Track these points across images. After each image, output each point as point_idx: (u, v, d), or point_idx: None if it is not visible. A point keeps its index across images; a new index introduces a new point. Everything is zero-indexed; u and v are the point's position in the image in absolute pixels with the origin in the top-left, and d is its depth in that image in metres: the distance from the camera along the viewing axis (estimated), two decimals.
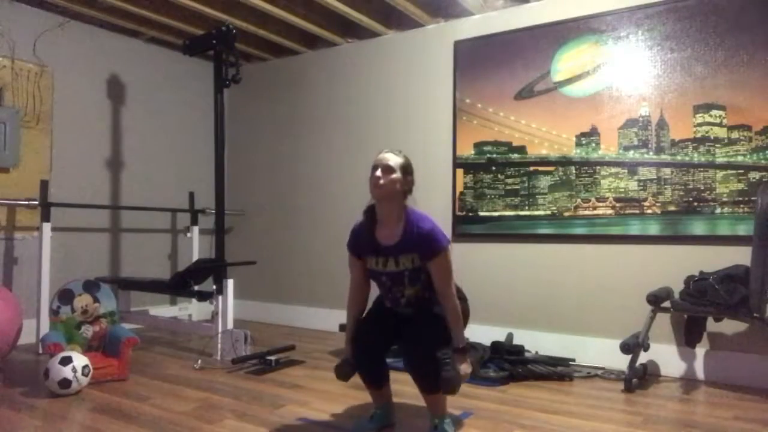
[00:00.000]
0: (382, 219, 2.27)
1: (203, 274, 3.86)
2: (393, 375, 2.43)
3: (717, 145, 3.29)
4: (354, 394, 2.92)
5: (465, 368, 2.19)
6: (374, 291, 2.43)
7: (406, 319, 2.32)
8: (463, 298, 2.34)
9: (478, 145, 4.07)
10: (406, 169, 2.25)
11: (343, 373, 2.31)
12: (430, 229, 2.19)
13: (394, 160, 2.23)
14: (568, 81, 3.74)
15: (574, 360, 3.48)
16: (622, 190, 3.56)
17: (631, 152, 3.54)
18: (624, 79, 3.56)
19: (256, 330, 4.58)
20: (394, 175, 2.20)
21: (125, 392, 2.90)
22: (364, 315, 2.41)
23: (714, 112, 3.30)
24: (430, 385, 2.17)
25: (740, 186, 3.22)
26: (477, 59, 4.09)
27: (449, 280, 2.22)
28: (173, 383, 3.09)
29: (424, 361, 2.15)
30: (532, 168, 3.88)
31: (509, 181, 3.96)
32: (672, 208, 3.41)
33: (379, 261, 2.28)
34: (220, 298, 3.75)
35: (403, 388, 2.98)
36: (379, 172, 2.19)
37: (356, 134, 4.74)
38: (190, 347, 4.04)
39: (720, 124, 3.28)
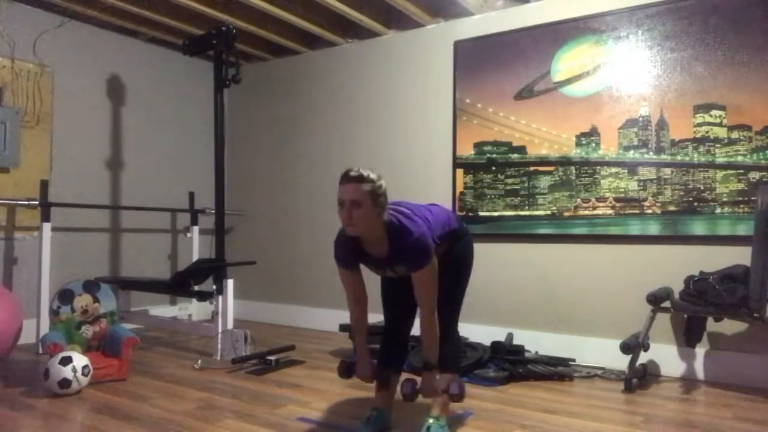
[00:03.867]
0: (365, 242, 2.17)
1: (203, 274, 3.86)
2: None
3: (717, 145, 3.29)
4: (354, 394, 2.92)
5: (429, 385, 2.18)
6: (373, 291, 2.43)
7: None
8: (456, 340, 2.36)
9: (478, 145, 4.07)
10: (375, 193, 2.04)
11: (346, 374, 2.39)
12: (413, 241, 2.07)
13: (358, 191, 2.01)
14: (568, 81, 3.74)
15: (574, 360, 3.48)
16: (622, 190, 3.56)
17: (631, 152, 3.54)
18: (624, 79, 3.56)
19: (256, 330, 4.58)
20: (362, 209, 2.02)
21: (125, 392, 2.90)
22: (383, 292, 2.43)
23: (714, 112, 3.30)
24: (446, 361, 2.24)
25: (740, 186, 3.22)
26: (477, 59, 4.09)
27: (430, 292, 2.13)
28: (173, 383, 3.09)
29: (445, 339, 2.22)
30: (532, 168, 3.88)
31: (509, 181, 3.96)
32: (672, 208, 3.41)
33: (378, 270, 2.31)
34: (220, 298, 3.75)
35: None
36: (346, 212, 2.03)
37: (356, 134, 4.73)
38: (190, 347, 4.04)
39: (720, 124, 3.28)
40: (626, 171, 3.55)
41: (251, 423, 2.46)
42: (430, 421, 2.25)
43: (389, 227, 2.11)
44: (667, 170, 3.43)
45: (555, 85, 3.79)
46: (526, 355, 3.44)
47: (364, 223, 2.04)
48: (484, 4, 4.04)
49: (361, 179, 2.04)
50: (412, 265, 2.12)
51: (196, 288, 3.90)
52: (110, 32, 4.65)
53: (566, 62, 3.75)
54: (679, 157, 3.39)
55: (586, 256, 3.66)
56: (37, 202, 3.80)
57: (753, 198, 3.14)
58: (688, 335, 3.20)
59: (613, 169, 3.60)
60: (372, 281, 2.41)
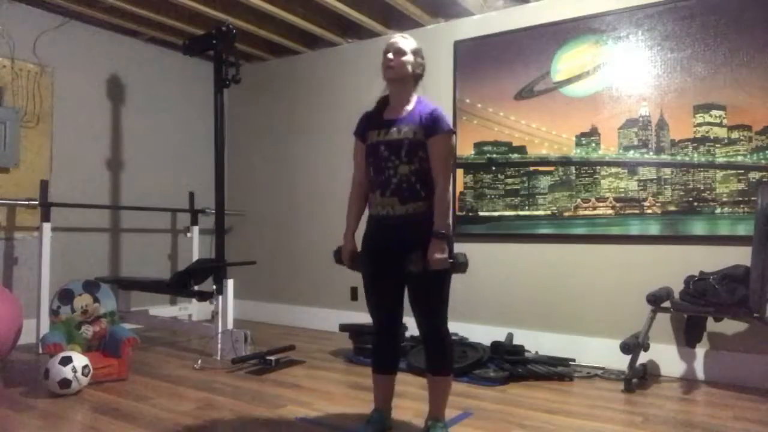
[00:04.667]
0: (393, 102, 2.31)
1: (203, 274, 3.86)
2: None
3: (717, 145, 3.29)
4: (354, 394, 2.92)
5: (438, 254, 2.11)
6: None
7: (405, 252, 2.15)
8: (448, 343, 2.27)
9: (478, 145, 4.07)
10: (417, 52, 2.28)
11: (342, 258, 2.38)
12: (436, 109, 2.23)
13: (404, 42, 2.26)
14: (568, 81, 3.74)
15: (574, 360, 3.48)
16: (622, 190, 3.56)
17: (631, 152, 3.54)
18: (624, 79, 3.56)
19: (256, 330, 4.59)
20: (405, 57, 2.24)
21: (125, 392, 2.90)
22: (367, 294, 2.36)
23: (714, 112, 3.30)
24: (436, 364, 2.23)
25: (740, 186, 3.22)
26: (477, 59, 4.09)
27: (447, 163, 2.23)
28: (173, 383, 3.09)
29: (436, 343, 2.21)
30: (532, 168, 3.88)
31: (509, 181, 3.96)
32: (672, 208, 3.41)
33: (381, 132, 2.27)
34: (220, 298, 3.75)
35: (404, 388, 2.98)
36: (390, 55, 2.23)
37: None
38: (190, 347, 4.04)
39: (720, 124, 3.28)
40: (626, 171, 3.55)
41: (251, 423, 2.46)
42: (430, 423, 2.24)
43: (418, 98, 2.30)
44: (667, 170, 3.43)
45: (555, 85, 3.79)
46: (526, 355, 3.44)
47: (402, 70, 2.24)
48: (484, 4, 4.04)
49: (407, 37, 2.30)
50: (430, 126, 2.19)
51: (196, 288, 3.90)
52: (110, 32, 4.65)
53: (566, 62, 3.75)
54: (679, 157, 3.39)
55: (586, 256, 3.66)
56: (37, 202, 3.80)
57: (753, 198, 3.14)
58: (688, 335, 3.20)
59: (613, 169, 3.60)
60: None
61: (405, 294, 2.29)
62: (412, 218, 2.20)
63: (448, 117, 2.27)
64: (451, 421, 2.48)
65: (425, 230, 2.17)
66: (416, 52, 2.28)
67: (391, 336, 2.35)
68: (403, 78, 2.26)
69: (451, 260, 2.16)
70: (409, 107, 2.28)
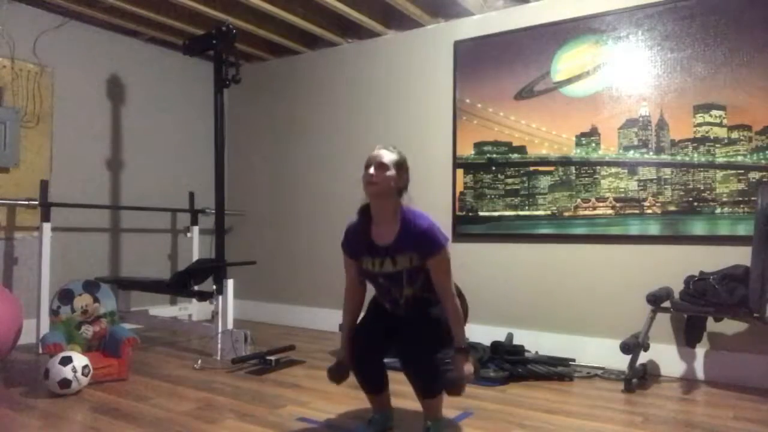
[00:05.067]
0: (377, 218, 2.21)
1: (203, 274, 3.86)
2: (392, 375, 2.41)
3: (717, 145, 3.29)
4: (354, 394, 2.92)
5: (468, 368, 2.15)
6: (370, 292, 2.41)
7: (404, 321, 2.28)
8: (461, 296, 2.30)
9: (478, 145, 4.07)
10: (401, 165, 2.19)
11: (337, 375, 2.30)
12: (428, 226, 2.14)
13: (388, 156, 2.17)
14: (568, 81, 3.74)
15: (574, 360, 3.48)
16: (622, 190, 3.56)
17: (631, 152, 3.54)
18: (624, 79, 3.56)
19: (256, 330, 4.58)
20: (388, 173, 2.14)
21: (125, 392, 2.90)
22: (361, 318, 2.38)
23: (714, 112, 3.30)
24: (428, 389, 2.16)
25: (740, 186, 3.22)
26: (477, 59, 4.09)
27: (449, 279, 2.18)
28: (173, 383, 3.09)
29: (422, 364, 2.12)
30: (532, 168, 3.88)
31: (509, 181, 3.96)
32: (672, 208, 3.41)
33: (375, 262, 2.22)
34: (220, 298, 3.75)
35: (403, 388, 2.98)
36: (372, 170, 2.14)
37: (356, 134, 4.73)
38: (190, 347, 4.04)
39: (720, 124, 3.28)
40: (626, 171, 3.56)
41: (251, 423, 2.46)
42: (429, 423, 2.24)
43: (404, 213, 2.19)
44: (667, 170, 3.43)
45: (555, 85, 3.79)
46: (526, 355, 3.44)
47: (385, 185, 2.13)
48: (484, 4, 4.04)
49: (390, 149, 2.22)
50: (425, 249, 2.14)
51: (196, 288, 3.90)
52: (110, 32, 4.65)
53: (566, 62, 3.75)
54: (679, 157, 3.39)
55: (586, 256, 3.66)
56: (37, 202, 3.80)
57: (753, 198, 3.14)
58: (688, 335, 3.20)
59: (613, 169, 3.60)
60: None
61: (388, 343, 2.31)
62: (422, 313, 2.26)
63: (438, 228, 2.17)
64: (451, 421, 2.48)
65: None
66: (400, 166, 2.18)
67: (376, 361, 2.30)
68: (386, 194, 2.15)
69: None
70: (397, 227, 2.17)
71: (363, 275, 2.33)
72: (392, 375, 2.41)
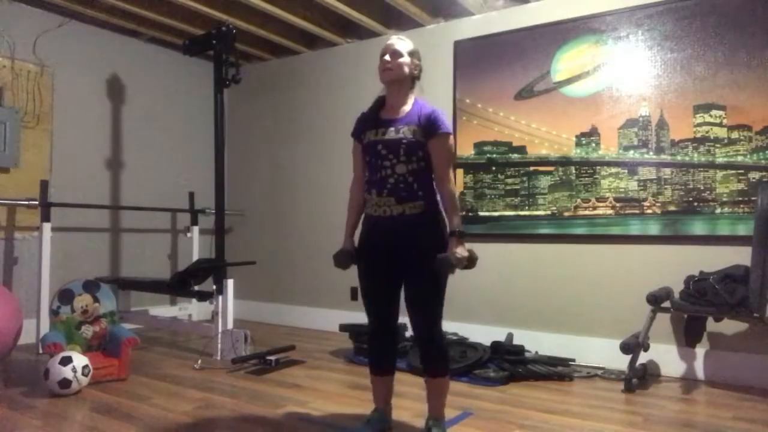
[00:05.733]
0: (390, 102, 2.31)
1: (203, 274, 3.86)
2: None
3: (717, 145, 3.29)
4: (354, 394, 2.92)
5: (461, 251, 2.14)
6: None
7: (402, 255, 2.19)
8: (477, 257, 2.26)
9: (478, 145, 4.07)
10: (414, 53, 2.30)
11: (342, 261, 2.33)
12: (435, 110, 2.23)
13: (401, 44, 2.27)
14: (568, 81, 3.74)
15: (574, 360, 3.48)
16: (622, 190, 3.56)
17: (631, 152, 3.54)
18: (624, 79, 3.56)
19: (256, 330, 4.59)
20: (401, 59, 2.24)
21: (125, 392, 2.91)
22: (362, 285, 2.34)
23: (714, 112, 3.30)
24: (433, 366, 2.21)
25: (740, 186, 3.22)
26: (477, 59, 4.09)
27: (448, 166, 2.21)
28: (173, 383, 3.09)
29: (432, 344, 2.20)
30: (532, 168, 3.88)
31: (509, 181, 3.96)
32: (672, 208, 3.41)
33: (379, 131, 2.26)
34: (220, 298, 3.75)
35: (404, 388, 2.98)
36: (387, 57, 2.24)
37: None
38: (190, 347, 4.04)
39: (720, 124, 3.28)
40: (626, 171, 3.55)
41: (251, 423, 2.46)
42: (431, 423, 2.24)
43: (416, 99, 2.31)
44: (667, 170, 3.43)
45: (555, 85, 3.79)
46: (526, 355, 3.44)
47: (399, 71, 2.24)
48: (484, 4, 4.04)
49: (403, 37, 2.33)
50: (430, 127, 2.19)
51: (196, 288, 3.90)
52: (110, 32, 4.65)
53: (566, 62, 3.75)
54: (679, 157, 3.39)
55: (586, 256, 3.66)
56: (37, 202, 3.80)
57: (753, 198, 3.14)
58: (688, 335, 3.21)
59: (613, 169, 3.60)
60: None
61: (401, 295, 2.28)
62: (408, 219, 2.19)
63: (446, 118, 2.26)
64: (451, 421, 2.48)
65: (422, 231, 2.18)
66: (413, 54, 2.29)
67: (388, 337, 2.34)
68: (400, 80, 2.26)
69: (470, 255, 2.19)
70: (407, 108, 2.27)
71: (364, 152, 2.32)
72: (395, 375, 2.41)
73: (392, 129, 2.23)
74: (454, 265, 2.11)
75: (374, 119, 2.32)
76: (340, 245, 2.42)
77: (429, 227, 2.20)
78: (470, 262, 2.18)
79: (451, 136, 2.25)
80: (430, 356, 2.23)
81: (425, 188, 2.21)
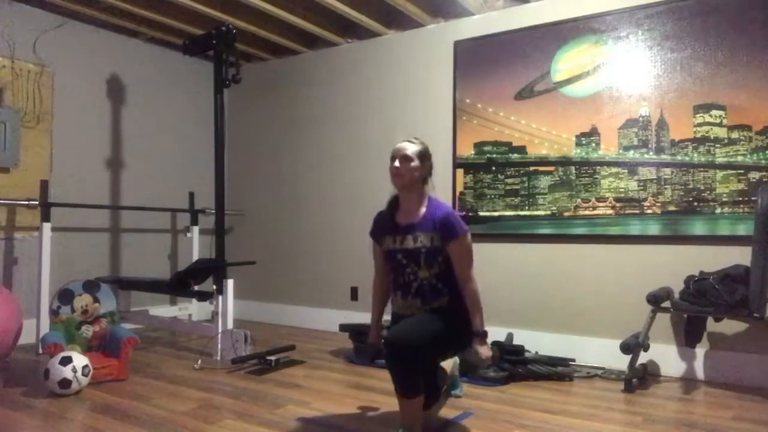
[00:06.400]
0: (404, 205, 2.35)
1: (203, 274, 3.86)
2: None
3: (717, 145, 3.29)
4: (354, 394, 2.92)
5: (485, 351, 2.21)
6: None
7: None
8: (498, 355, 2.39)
9: (478, 145, 4.07)
10: (424, 155, 2.33)
11: (370, 354, 2.42)
12: (450, 211, 2.28)
13: (411, 148, 2.31)
14: (568, 81, 3.74)
15: (574, 360, 3.48)
16: (622, 190, 3.56)
17: (631, 152, 3.54)
18: (624, 79, 3.56)
19: (256, 330, 4.58)
20: (412, 164, 2.28)
21: (125, 392, 2.90)
22: (390, 324, 2.38)
23: (714, 112, 3.30)
24: (404, 384, 2.09)
25: (740, 186, 3.22)
26: (477, 59, 4.09)
27: (469, 263, 2.26)
28: (173, 383, 3.09)
29: (402, 357, 2.05)
30: (532, 168, 3.88)
31: (509, 181, 3.96)
32: (672, 208, 3.41)
33: (397, 239, 2.31)
34: (220, 298, 3.75)
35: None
36: (397, 163, 2.28)
37: (356, 134, 4.73)
38: (190, 347, 4.04)
39: (720, 124, 3.28)
40: (626, 171, 3.56)
41: (251, 423, 2.46)
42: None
43: (430, 199, 2.34)
44: (667, 170, 3.43)
45: (555, 85, 3.79)
46: (526, 355, 3.44)
47: (410, 176, 2.29)
48: (484, 4, 4.04)
49: (413, 141, 2.37)
50: (447, 231, 2.22)
51: (196, 288, 3.90)
52: (110, 32, 4.65)
53: (566, 62, 3.75)
54: (679, 157, 3.39)
55: (586, 256, 3.66)
56: (37, 202, 3.80)
57: (753, 198, 3.14)
58: (688, 335, 3.20)
59: (613, 169, 3.60)
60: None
61: None
62: (435, 311, 2.26)
63: (459, 219, 2.29)
64: (451, 421, 2.49)
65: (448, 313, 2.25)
66: (423, 156, 2.32)
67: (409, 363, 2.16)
68: (411, 184, 2.30)
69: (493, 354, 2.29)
70: (422, 210, 2.31)
71: (385, 257, 2.39)
72: None
73: (410, 236, 2.28)
74: (477, 366, 2.19)
75: (390, 224, 2.36)
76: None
77: (452, 313, 2.26)
78: (493, 360, 2.29)
79: (468, 234, 2.28)
80: (406, 370, 2.10)
81: (449, 285, 2.28)
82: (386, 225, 2.37)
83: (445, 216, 2.24)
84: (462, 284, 2.25)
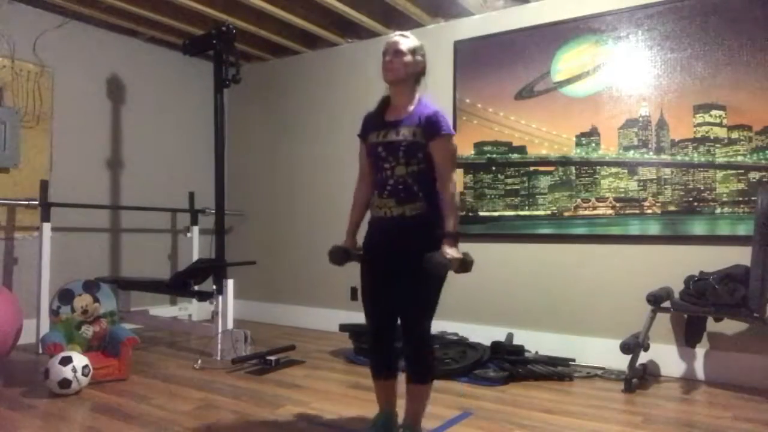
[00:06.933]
0: (393, 103, 2.30)
1: (203, 274, 3.86)
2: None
3: (717, 145, 3.29)
4: (354, 394, 2.92)
5: (453, 252, 2.09)
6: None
7: (397, 261, 2.17)
8: (430, 352, 2.27)
9: (478, 145, 4.07)
10: (416, 50, 2.25)
11: (337, 257, 2.35)
12: (439, 111, 2.21)
13: (404, 43, 2.23)
14: (568, 81, 3.74)
15: (574, 360, 3.48)
16: (622, 190, 3.56)
17: (631, 152, 3.54)
18: (624, 79, 3.56)
19: (256, 330, 4.58)
20: (404, 58, 2.21)
21: (125, 392, 2.91)
22: (362, 284, 2.34)
23: (714, 112, 3.30)
24: (419, 372, 2.17)
25: (740, 186, 3.22)
26: (477, 59, 4.09)
27: (450, 165, 2.20)
28: (173, 383, 3.09)
29: (421, 349, 2.17)
30: (532, 168, 3.88)
31: (509, 181, 3.96)
32: (672, 208, 3.41)
33: (381, 133, 2.26)
34: (220, 298, 3.75)
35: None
36: (388, 57, 2.22)
37: (356, 134, 4.72)
38: (190, 347, 4.04)
39: (720, 124, 3.28)
40: (626, 171, 3.56)
41: (251, 423, 2.46)
42: (402, 431, 2.20)
43: (420, 98, 2.27)
44: (667, 170, 3.43)
45: (555, 85, 3.79)
46: (526, 355, 3.44)
47: (402, 70, 2.21)
48: (484, 4, 4.04)
49: (406, 35, 2.28)
50: (431, 128, 2.16)
51: (196, 288, 3.90)
52: (110, 32, 4.65)
53: (566, 62, 3.75)
54: (679, 157, 3.39)
55: (586, 256, 3.66)
56: (37, 202, 3.80)
57: (753, 198, 3.14)
58: (688, 335, 3.21)
59: (613, 169, 3.60)
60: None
61: None
62: (407, 221, 2.18)
63: (448, 119, 2.24)
64: (451, 421, 2.49)
65: (423, 233, 2.15)
66: (415, 51, 2.24)
67: (388, 338, 2.29)
68: (402, 79, 2.23)
69: (463, 258, 2.14)
70: (411, 107, 2.24)
71: (368, 153, 2.32)
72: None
73: (393, 131, 2.22)
74: (444, 265, 2.06)
75: (378, 120, 2.30)
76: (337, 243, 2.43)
77: (426, 230, 2.17)
78: (464, 265, 2.13)
79: (453, 138, 2.23)
80: (419, 361, 2.17)
81: (426, 189, 2.19)
82: (373, 121, 2.32)
83: (434, 113, 2.18)
84: (440, 185, 2.17)
